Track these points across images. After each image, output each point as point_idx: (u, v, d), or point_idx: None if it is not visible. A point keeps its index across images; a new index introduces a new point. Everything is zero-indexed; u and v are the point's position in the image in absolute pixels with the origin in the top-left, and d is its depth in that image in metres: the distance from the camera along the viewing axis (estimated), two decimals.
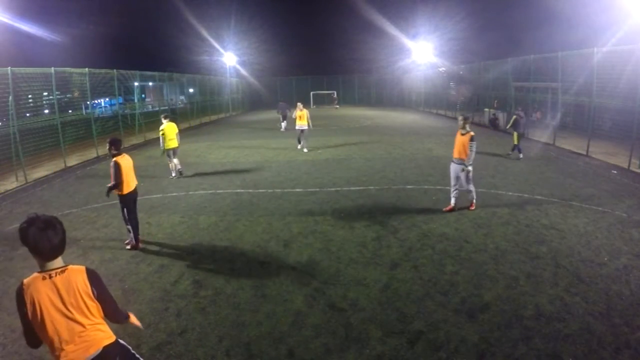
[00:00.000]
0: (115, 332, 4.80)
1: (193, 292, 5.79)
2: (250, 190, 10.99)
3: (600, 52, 14.49)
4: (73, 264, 2.88)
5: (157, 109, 30.14)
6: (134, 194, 7.39)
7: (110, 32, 50.84)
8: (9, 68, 12.98)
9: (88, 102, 19.65)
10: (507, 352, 4.33)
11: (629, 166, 12.46)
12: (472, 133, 8.46)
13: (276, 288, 5.85)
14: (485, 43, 38.16)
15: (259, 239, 7.67)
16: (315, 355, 4.41)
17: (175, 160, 12.76)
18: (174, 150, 12.62)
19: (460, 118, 8.79)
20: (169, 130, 12.42)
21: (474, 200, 8.94)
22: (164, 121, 12.49)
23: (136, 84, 24.40)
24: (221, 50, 47.99)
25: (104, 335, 2.95)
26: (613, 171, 12.33)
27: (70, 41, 40.80)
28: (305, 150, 16.92)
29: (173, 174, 12.82)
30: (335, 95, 45.30)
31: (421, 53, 42.78)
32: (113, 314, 3.06)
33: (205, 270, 6.44)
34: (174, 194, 10.95)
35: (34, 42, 35.73)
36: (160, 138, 12.51)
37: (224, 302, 5.52)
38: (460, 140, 8.61)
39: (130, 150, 19.11)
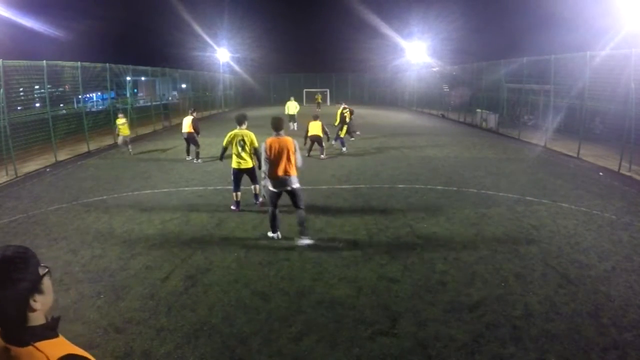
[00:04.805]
0: (101, 325, 4.81)
1: (183, 289, 5.77)
2: (242, 187, 10.93)
3: (593, 56, 14.60)
4: (42, 343, 1.57)
5: (149, 104, 29.95)
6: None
7: (104, 27, 50.61)
8: (0, 60, 12.83)
9: (80, 96, 19.51)
10: (496, 352, 4.36)
11: (619, 169, 12.58)
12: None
13: (266, 285, 5.84)
14: (480, 44, 38.47)
15: (250, 235, 7.66)
16: (304, 354, 4.41)
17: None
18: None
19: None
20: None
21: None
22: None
23: (128, 78, 24.24)
24: (214, 46, 47.86)
25: None
26: (600, 173, 12.45)
27: (65, 35, 40.52)
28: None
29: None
30: (328, 94, 45.22)
31: (415, 53, 42.91)
32: None
33: (195, 267, 6.42)
34: (165, 190, 10.90)
35: (29, 35, 35.44)
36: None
37: (215, 298, 5.51)
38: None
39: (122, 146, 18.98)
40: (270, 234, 7.47)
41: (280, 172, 6.88)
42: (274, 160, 6.86)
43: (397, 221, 8.29)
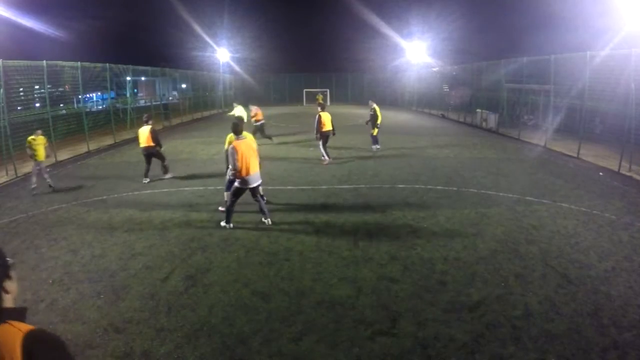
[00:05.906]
0: (101, 325, 4.81)
1: (183, 289, 5.77)
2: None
3: (593, 56, 14.59)
4: (15, 322, 1.63)
5: (149, 104, 29.94)
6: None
7: (104, 27, 50.58)
8: (0, 60, 12.83)
9: (80, 96, 19.51)
10: (496, 352, 4.36)
11: (619, 169, 12.58)
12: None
13: (266, 285, 5.85)
14: (480, 44, 38.38)
15: (250, 235, 7.66)
16: (304, 354, 4.41)
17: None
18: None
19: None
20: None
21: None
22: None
23: (128, 78, 24.23)
24: (214, 46, 47.79)
25: None
26: (600, 173, 12.45)
27: (65, 35, 40.46)
28: None
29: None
30: (327, 94, 45.22)
31: (415, 53, 42.87)
32: None
33: (195, 267, 6.42)
34: (165, 190, 10.89)
35: (29, 35, 35.39)
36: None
37: (215, 298, 5.51)
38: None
39: (121, 146, 19.01)
40: (223, 223, 8.11)
41: (251, 171, 7.74)
42: (245, 160, 7.63)
43: (396, 221, 8.29)
